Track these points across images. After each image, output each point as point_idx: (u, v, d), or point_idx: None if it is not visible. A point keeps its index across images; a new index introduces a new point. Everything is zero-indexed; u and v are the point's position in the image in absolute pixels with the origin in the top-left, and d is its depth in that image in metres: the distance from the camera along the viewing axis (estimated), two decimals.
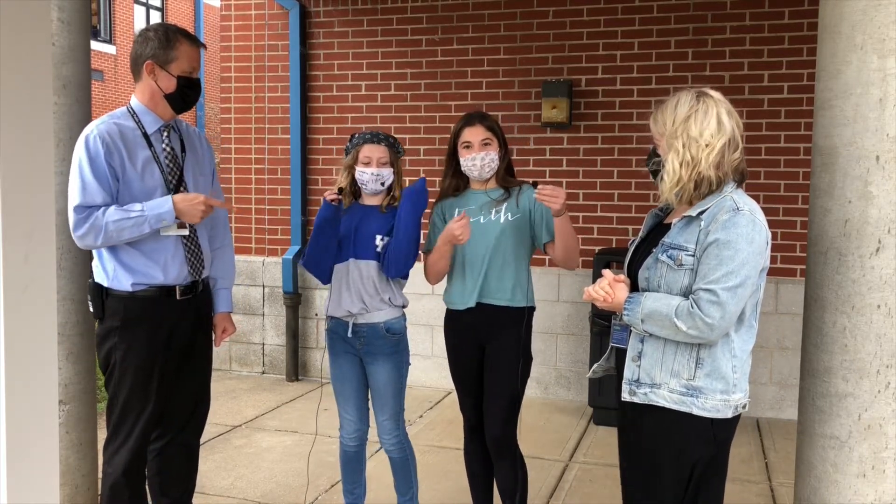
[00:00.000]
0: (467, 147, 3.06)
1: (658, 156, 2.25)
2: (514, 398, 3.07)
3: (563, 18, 5.43)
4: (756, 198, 5.31)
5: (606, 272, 2.30)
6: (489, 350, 3.08)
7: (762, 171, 5.12)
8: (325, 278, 3.15)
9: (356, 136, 3.13)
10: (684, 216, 2.20)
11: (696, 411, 2.14)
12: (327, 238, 3.05)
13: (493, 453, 3.12)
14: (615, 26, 5.35)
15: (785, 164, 5.12)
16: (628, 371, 2.25)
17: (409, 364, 3.23)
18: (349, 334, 3.11)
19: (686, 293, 2.15)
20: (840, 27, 2.19)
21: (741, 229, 2.07)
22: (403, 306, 3.19)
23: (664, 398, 2.18)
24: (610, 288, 2.25)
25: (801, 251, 5.07)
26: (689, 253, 2.14)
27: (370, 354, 3.12)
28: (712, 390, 2.14)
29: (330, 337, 3.20)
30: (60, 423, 3.22)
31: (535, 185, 2.90)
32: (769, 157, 5.14)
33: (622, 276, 2.31)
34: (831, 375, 2.24)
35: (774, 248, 5.09)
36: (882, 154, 2.13)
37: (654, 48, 5.29)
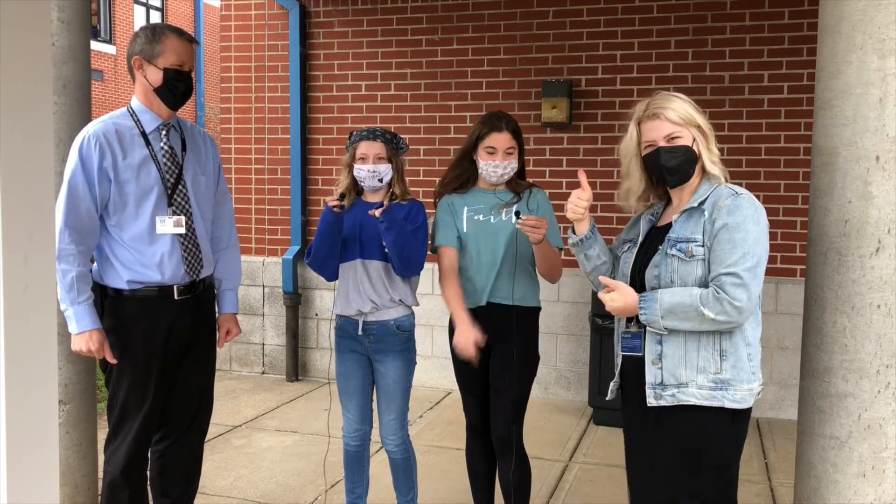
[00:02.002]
0: (491, 153, 3.03)
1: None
2: (521, 398, 3.08)
3: (563, 18, 5.43)
4: (756, 198, 5.29)
5: (608, 280, 2.28)
6: (496, 350, 3.08)
7: (762, 171, 5.12)
8: (331, 277, 3.15)
9: (354, 133, 3.12)
10: (684, 210, 2.23)
11: (727, 404, 2.16)
12: (332, 241, 3.03)
13: (498, 452, 3.13)
14: (615, 26, 5.35)
15: (785, 164, 5.12)
16: (650, 375, 2.23)
17: (416, 363, 3.23)
18: (359, 332, 3.10)
19: (701, 283, 2.16)
20: (840, 27, 2.19)
21: (746, 211, 2.13)
22: (414, 305, 3.20)
23: (694, 396, 2.18)
24: (620, 294, 2.22)
25: (801, 251, 5.07)
26: (699, 243, 2.17)
27: (380, 352, 3.11)
28: (739, 381, 2.17)
29: (337, 335, 3.20)
30: (60, 423, 3.22)
31: (517, 214, 2.93)
32: (769, 157, 5.14)
33: (608, 279, 2.29)
34: (831, 375, 2.24)
35: (774, 248, 5.10)
36: (882, 154, 2.13)
37: (654, 48, 5.29)
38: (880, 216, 2.14)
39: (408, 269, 3.05)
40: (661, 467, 2.29)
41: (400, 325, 3.12)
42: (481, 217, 3.09)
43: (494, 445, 3.13)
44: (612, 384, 2.47)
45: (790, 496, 3.86)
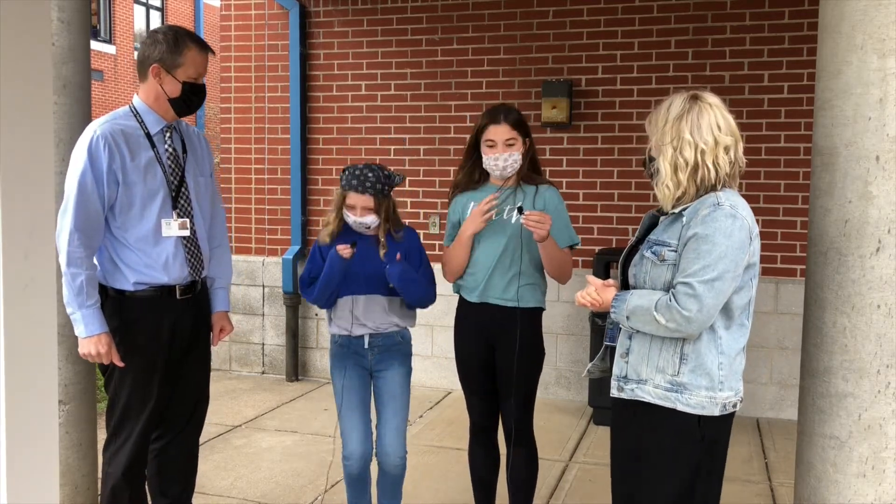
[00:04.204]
0: (491, 146, 3.02)
1: (654, 160, 2.25)
2: (528, 393, 3.12)
3: (563, 18, 5.43)
4: (756, 198, 5.29)
5: (592, 279, 2.33)
6: (499, 350, 3.09)
7: (762, 171, 5.12)
8: (328, 307, 3.18)
9: (347, 172, 3.06)
10: (670, 213, 2.22)
11: (680, 407, 2.15)
12: (338, 283, 3.07)
13: (508, 442, 3.15)
14: (615, 26, 5.35)
15: (785, 164, 5.12)
16: (617, 368, 2.29)
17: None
18: (365, 346, 3.13)
19: (668, 288, 2.17)
20: (840, 27, 2.19)
21: (719, 223, 2.09)
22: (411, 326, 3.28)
23: (649, 394, 2.20)
24: (597, 294, 2.29)
25: (801, 251, 5.07)
26: (672, 248, 2.17)
27: (384, 362, 3.14)
28: (697, 386, 2.15)
29: (338, 352, 3.18)
30: (60, 423, 3.22)
31: (520, 210, 2.91)
32: (769, 157, 5.13)
33: (611, 281, 2.35)
34: (831, 375, 2.24)
35: (774, 248, 5.10)
36: (882, 154, 2.13)
37: (654, 48, 5.29)
38: (880, 216, 2.14)
39: (420, 305, 3.17)
40: (616, 460, 2.33)
41: (403, 335, 3.20)
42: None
43: (504, 437, 3.15)
44: (591, 364, 2.50)
45: (790, 496, 3.86)
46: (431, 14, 5.69)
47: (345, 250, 2.98)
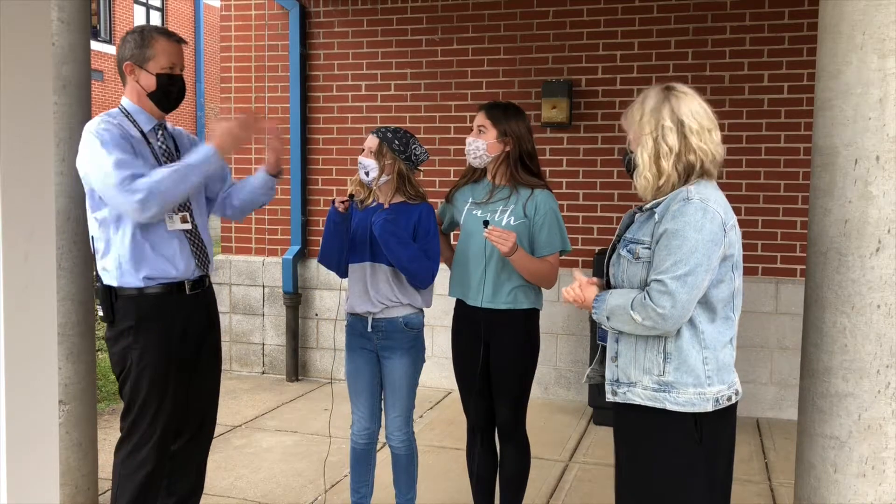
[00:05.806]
0: (471, 131, 3.12)
1: (632, 153, 2.24)
2: (520, 392, 3.12)
3: (563, 18, 5.43)
4: (756, 198, 5.24)
5: (577, 275, 2.33)
6: (493, 350, 3.09)
7: (762, 171, 5.12)
8: (342, 274, 3.19)
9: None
10: (645, 211, 2.22)
11: (669, 406, 2.13)
12: (339, 241, 3.07)
13: (501, 438, 3.17)
14: (615, 26, 5.35)
15: (785, 164, 5.12)
16: (609, 372, 2.28)
17: (424, 361, 3.26)
18: (368, 329, 3.13)
19: (644, 286, 2.16)
20: (840, 27, 2.19)
21: (689, 217, 2.07)
22: (425, 307, 3.23)
23: (639, 396, 2.19)
24: (580, 290, 2.29)
25: (801, 251, 5.07)
26: (646, 246, 2.16)
27: (388, 349, 3.14)
28: (683, 384, 2.13)
29: (348, 332, 3.23)
30: (60, 423, 3.22)
31: (485, 224, 2.91)
32: (769, 157, 5.13)
33: (595, 279, 2.34)
34: (831, 375, 2.24)
35: (774, 248, 5.10)
36: (882, 154, 2.13)
37: (654, 48, 5.29)
38: (880, 216, 2.14)
39: (414, 281, 3.07)
40: (618, 464, 2.32)
41: (408, 323, 3.16)
42: (479, 213, 3.11)
43: (498, 431, 3.18)
44: (589, 369, 2.47)
45: (790, 496, 3.86)
46: (431, 14, 5.69)
47: (340, 202, 2.98)
